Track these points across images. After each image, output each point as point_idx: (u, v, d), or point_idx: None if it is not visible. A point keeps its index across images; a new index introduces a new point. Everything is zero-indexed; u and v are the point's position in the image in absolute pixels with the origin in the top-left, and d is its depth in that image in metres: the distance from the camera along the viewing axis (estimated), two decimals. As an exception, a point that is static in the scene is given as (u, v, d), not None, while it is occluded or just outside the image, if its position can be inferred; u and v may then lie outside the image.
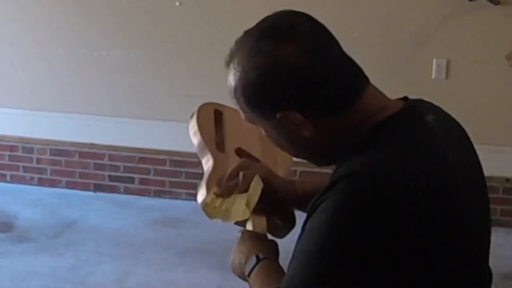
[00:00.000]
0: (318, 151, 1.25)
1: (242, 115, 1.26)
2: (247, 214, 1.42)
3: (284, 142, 1.25)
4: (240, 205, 1.43)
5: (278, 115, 1.19)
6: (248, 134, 1.56)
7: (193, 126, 1.57)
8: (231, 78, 1.22)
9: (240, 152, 1.57)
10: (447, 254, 1.12)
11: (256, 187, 1.44)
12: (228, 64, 1.22)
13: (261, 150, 1.55)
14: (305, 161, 1.31)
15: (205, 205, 1.43)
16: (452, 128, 1.29)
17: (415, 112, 1.22)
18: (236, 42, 1.22)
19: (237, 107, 1.25)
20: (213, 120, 1.60)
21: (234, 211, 1.43)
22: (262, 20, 1.22)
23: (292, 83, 1.16)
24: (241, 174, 1.45)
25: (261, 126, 1.26)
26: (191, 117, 1.59)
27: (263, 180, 1.46)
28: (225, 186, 1.46)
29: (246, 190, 1.44)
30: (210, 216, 1.43)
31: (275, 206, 1.50)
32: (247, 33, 1.22)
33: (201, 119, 1.57)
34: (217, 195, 1.45)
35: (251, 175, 1.45)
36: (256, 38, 1.19)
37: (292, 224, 1.50)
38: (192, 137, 1.57)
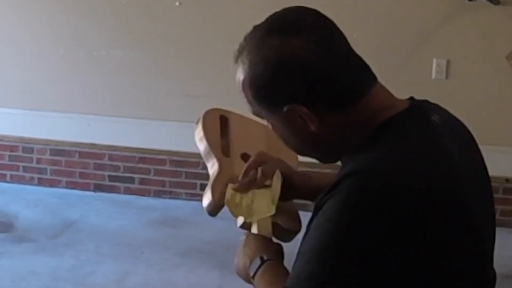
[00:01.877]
0: (323, 148, 1.25)
1: (249, 109, 1.26)
2: (273, 210, 1.42)
3: (290, 137, 1.25)
4: (262, 201, 1.43)
5: (284, 109, 1.19)
6: (254, 140, 1.57)
7: (198, 132, 1.58)
8: (240, 71, 1.22)
9: (245, 157, 1.57)
10: (451, 251, 1.13)
11: (277, 183, 1.44)
12: (237, 59, 1.23)
13: None
14: (307, 161, 1.31)
15: (226, 202, 1.43)
16: (457, 129, 1.29)
17: (421, 111, 1.23)
18: (245, 37, 1.23)
19: (244, 100, 1.25)
20: (218, 126, 1.60)
21: (257, 208, 1.43)
22: (271, 15, 1.23)
23: (299, 77, 1.17)
24: (259, 169, 1.45)
25: (268, 120, 1.26)
26: (197, 123, 1.60)
27: (282, 175, 1.46)
28: (243, 181, 1.45)
29: (264, 186, 1.44)
30: (234, 213, 1.43)
31: (290, 202, 1.50)
32: (256, 28, 1.22)
33: (206, 125, 1.58)
34: (235, 190, 1.44)
35: (270, 171, 1.45)
36: (264, 32, 1.19)
37: (297, 227, 1.50)
38: (197, 142, 1.58)
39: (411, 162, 1.13)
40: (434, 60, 4.21)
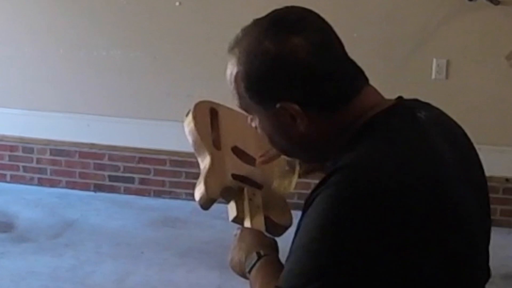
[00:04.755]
0: (309, 147, 1.25)
1: (237, 102, 1.25)
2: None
3: (276, 135, 1.25)
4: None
5: (277, 105, 1.19)
6: (244, 133, 1.57)
7: (189, 123, 1.58)
8: (234, 63, 1.21)
9: (236, 150, 1.58)
10: (440, 245, 1.13)
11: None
12: (232, 49, 1.22)
13: (256, 149, 1.56)
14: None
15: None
16: (448, 126, 1.29)
17: (405, 108, 1.24)
18: (243, 29, 1.22)
19: (233, 93, 1.24)
20: (209, 118, 1.60)
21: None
22: (273, 12, 1.23)
23: (296, 75, 1.17)
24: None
25: (257, 115, 1.25)
26: (187, 114, 1.59)
27: None
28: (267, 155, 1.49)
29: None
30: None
31: (281, 197, 1.52)
32: (257, 21, 1.22)
33: (197, 117, 1.58)
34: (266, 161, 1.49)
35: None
36: (266, 27, 1.19)
37: (288, 222, 1.51)
38: (188, 134, 1.58)
39: (397, 157, 1.13)
40: (434, 60, 4.21)
